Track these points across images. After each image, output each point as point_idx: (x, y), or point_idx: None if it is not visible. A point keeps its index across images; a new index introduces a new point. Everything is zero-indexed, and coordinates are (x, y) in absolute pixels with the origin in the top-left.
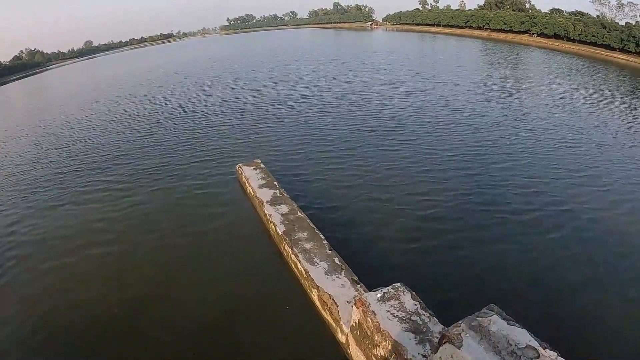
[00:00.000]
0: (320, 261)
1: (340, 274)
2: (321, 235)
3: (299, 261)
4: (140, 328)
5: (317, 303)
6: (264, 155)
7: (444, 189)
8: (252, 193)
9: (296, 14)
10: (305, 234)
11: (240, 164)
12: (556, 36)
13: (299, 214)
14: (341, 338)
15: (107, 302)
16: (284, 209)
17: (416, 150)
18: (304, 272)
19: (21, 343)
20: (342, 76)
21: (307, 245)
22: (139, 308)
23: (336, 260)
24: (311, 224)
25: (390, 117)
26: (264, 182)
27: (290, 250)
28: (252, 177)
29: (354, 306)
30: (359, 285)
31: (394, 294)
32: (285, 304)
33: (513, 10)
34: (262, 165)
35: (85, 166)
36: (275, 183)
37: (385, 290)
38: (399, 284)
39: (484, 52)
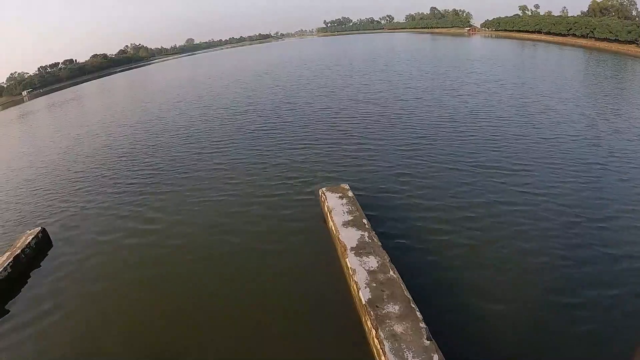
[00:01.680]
0: (414, 357)
1: None
2: (418, 314)
3: (384, 352)
4: None
5: None
6: (353, 179)
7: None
8: (334, 232)
9: (393, 18)
10: (397, 307)
11: (323, 189)
12: None
13: (391, 273)
14: None
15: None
16: (373, 262)
17: (559, 213)
18: None
19: None
20: (447, 88)
21: (398, 328)
22: None
23: (435, 358)
24: (406, 293)
25: (513, 151)
26: (350, 217)
27: (374, 331)
28: (336, 208)
29: None
30: None
31: None
32: None
33: (619, 17)
34: (350, 193)
35: (135, 186)
36: (365, 221)
37: None
38: None
39: (593, 64)
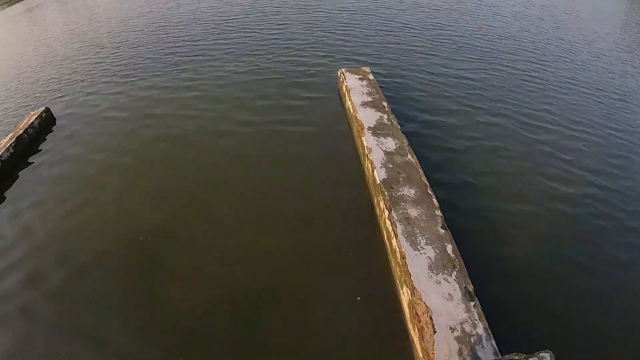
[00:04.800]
0: (427, 244)
1: (451, 275)
2: (434, 200)
3: (396, 235)
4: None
5: (405, 309)
6: (375, 64)
7: None
8: (352, 111)
9: None
10: (412, 191)
11: (342, 69)
12: None
13: (410, 157)
14: None
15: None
16: (391, 144)
17: None
18: (398, 254)
19: None
20: None
21: (413, 212)
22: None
23: (449, 248)
24: (424, 179)
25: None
26: (369, 98)
27: (386, 212)
28: (355, 88)
29: None
30: (472, 304)
31: None
32: (357, 292)
33: None
34: (370, 76)
35: (140, 70)
36: (385, 104)
37: None
38: (547, 355)
39: None
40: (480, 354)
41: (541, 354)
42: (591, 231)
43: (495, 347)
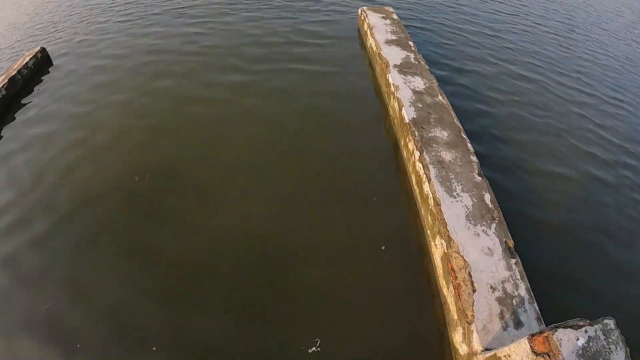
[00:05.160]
0: (463, 191)
1: (490, 228)
2: (469, 145)
3: (429, 178)
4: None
5: (437, 263)
6: (397, 3)
7: None
8: (375, 49)
9: None
10: (445, 133)
11: (364, 8)
12: None
13: (440, 98)
14: (459, 348)
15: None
16: (419, 83)
17: None
18: (431, 200)
19: None
20: None
21: (446, 155)
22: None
23: (487, 197)
24: (456, 122)
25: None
26: (394, 37)
27: (417, 154)
28: (378, 26)
29: (526, 340)
30: (514, 261)
31: (603, 347)
32: (380, 242)
33: None
34: (394, 16)
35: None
36: (411, 43)
37: (590, 331)
38: (611, 323)
39: None
40: (522, 318)
41: (605, 321)
42: (627, 204)
43: (538, 311)
